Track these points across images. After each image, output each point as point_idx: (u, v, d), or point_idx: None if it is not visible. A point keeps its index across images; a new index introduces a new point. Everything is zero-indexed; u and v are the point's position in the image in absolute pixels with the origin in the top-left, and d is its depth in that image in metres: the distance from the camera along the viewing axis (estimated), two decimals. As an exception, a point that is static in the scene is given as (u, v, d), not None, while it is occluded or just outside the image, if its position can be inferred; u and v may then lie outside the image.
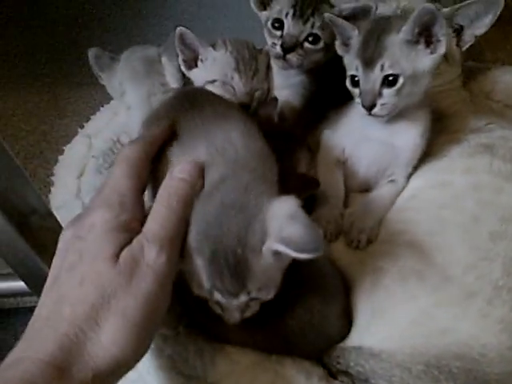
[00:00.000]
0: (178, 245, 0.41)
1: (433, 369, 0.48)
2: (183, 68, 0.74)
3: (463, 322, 0.50)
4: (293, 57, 0.71)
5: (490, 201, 0.57)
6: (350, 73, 0.62)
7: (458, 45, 0.75)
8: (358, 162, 0.66)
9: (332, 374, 0.52)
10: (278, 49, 0.71)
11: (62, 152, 0.86)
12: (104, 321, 0.36)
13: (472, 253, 0.54)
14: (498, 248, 0.53)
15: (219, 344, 0.52)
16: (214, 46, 0.73)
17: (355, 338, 0.54)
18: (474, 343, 0.49)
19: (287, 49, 0.70)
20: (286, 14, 0.70)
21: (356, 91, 0.62)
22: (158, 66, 0.77)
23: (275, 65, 0.78)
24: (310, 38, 0.71)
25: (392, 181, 0.66)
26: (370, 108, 0.59)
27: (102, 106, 0.92)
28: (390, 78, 0.58)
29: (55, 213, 0.68)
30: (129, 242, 0.39)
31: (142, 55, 0.79)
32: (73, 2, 1.62)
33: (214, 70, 0.73)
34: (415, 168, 0.65)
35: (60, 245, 0.42)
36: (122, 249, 0.38)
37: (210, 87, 0.71)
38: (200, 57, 0.73)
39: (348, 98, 0.66)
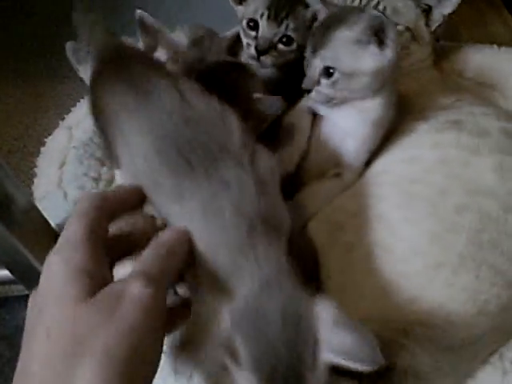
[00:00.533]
0: (166, 286, 0.39)
1: (400, 336, 0.50)
2: None
3: (430, 292, 0.52)
4: (266, 58, 0.72)
5: (458, 174, 0.58)
6: (305, 54, 0.65)
7: (427, 24, 0.77)
8: (314, 138, 0.67)
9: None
10: (253, 51, 0.72)
11: (44, 144, 0.87)
12: (80, 367, 0.32)
13: (439, 225, 0.55)
14: (463, 220, 0.54)
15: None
16: (172, 32, 0.74)
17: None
18: (439, 311, 0.51)
19: (261, 51, 0.71)
20: (261, 15, 0.71)
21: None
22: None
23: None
24: (284, 39, 0.72)
25: (337, 174, 0.66)
26: (309, 91, 0.63)
27: (83, 98, 0.93)
28: (329, 70, 0.60)
29: (38, 204, 0.70)
30: (97, 286, 0.36)
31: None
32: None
33: (169, 50, 0.73)
34: (366, 164, 0.66)
35: (27, 315, 0.39)
36: (89, 291, 0.35)
37: None
38: (160, 42, 0.74)
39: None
